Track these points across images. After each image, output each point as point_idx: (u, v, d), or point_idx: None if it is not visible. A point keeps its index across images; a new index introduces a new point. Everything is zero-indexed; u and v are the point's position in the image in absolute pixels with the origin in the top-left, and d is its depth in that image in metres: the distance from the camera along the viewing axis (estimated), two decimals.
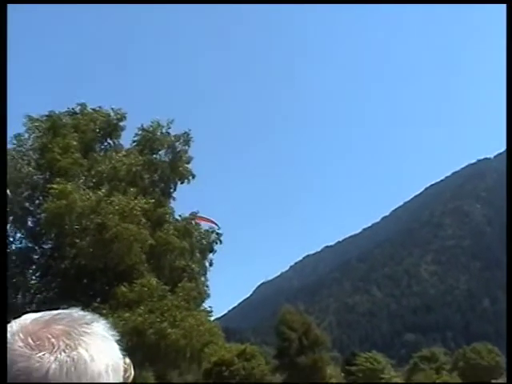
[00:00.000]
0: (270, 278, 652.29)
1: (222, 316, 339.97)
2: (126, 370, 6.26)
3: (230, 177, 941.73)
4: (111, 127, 42.35)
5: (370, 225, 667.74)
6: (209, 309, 42.53)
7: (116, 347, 1.80)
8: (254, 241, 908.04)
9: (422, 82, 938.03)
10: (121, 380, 1.78)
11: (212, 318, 46.56)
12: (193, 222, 43.00)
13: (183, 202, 49.08)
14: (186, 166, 42.25)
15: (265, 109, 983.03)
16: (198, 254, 42.78)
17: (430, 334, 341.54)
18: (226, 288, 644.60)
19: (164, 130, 42.22)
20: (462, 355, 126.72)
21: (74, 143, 38.23)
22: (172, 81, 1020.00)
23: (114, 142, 43.36)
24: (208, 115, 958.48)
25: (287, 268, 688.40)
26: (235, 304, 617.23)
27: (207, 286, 43.50)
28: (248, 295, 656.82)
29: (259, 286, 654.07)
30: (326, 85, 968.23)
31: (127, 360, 6.42)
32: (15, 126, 39.11)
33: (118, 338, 1.82)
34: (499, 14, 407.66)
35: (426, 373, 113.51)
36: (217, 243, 43.93)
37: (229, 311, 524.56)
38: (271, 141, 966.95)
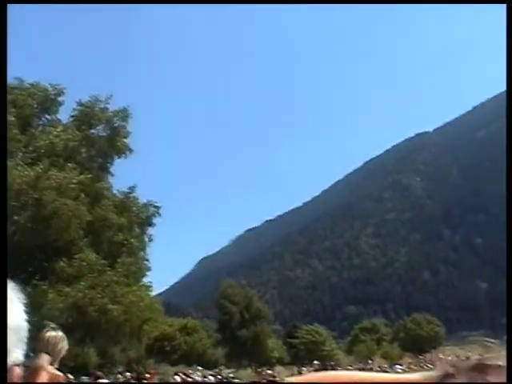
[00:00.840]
0: (210, 252, 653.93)
1: (164, 291, 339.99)
2: (56, 344, 6.40)
3: (170, 151, 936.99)
4: (49, 102, 41.96)
5: (310, 198, 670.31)
6: (148, 284, 42.76)
7: (20, 308, 1.83)
8: (194, 216, 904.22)
9: (378, 59, 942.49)
10: (23, 340, 1.82)
11: (153, 294, 46.94)
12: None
13: (122, 177, 49.07)
14: (124, 140, 42.16)
15: (212, 87, 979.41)
16: (136, 229, 42.76)
17: (370, 305, 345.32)
18: (167, 263, 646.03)
19: (102, 106, 42.05)
20: (402, 326, 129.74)
21: (12, 119, 37.75)
22: (114, 55, 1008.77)
23: (51, 118, 43.02)
24: (150, 91, 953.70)
25: (228, 243, 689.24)
26: (177, 279, 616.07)
27: (147, 261, 43.62)
28: (189, 270, 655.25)
29: (200, 261, 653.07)
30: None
31: (60, 333, 6.56)
32: None
33: (24, 300, 1.87)
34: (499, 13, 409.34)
35: (367, 344, 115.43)
36: (155, 216, 43.99)
37: (170, 286, 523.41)
38: (214, 114, 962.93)
